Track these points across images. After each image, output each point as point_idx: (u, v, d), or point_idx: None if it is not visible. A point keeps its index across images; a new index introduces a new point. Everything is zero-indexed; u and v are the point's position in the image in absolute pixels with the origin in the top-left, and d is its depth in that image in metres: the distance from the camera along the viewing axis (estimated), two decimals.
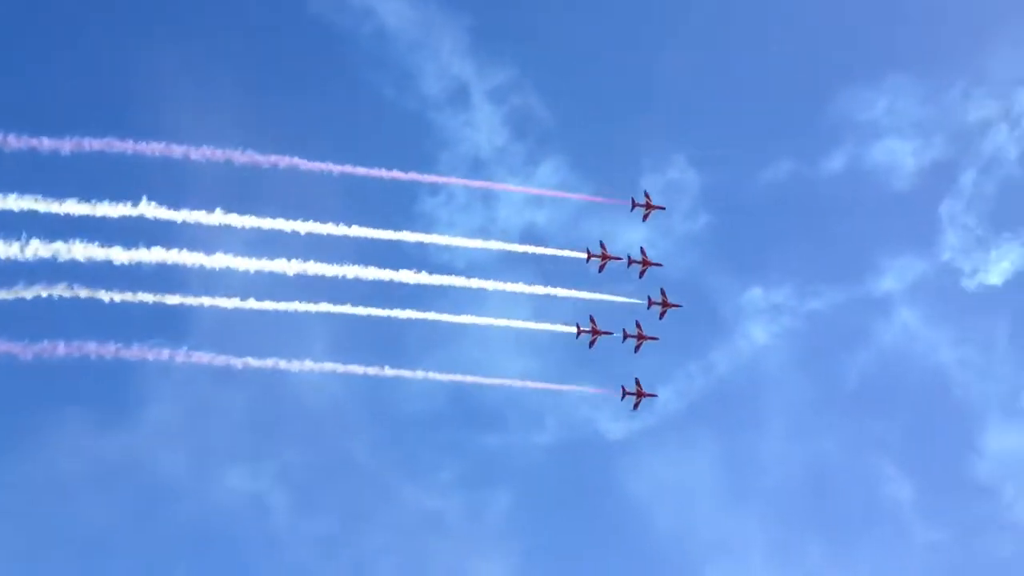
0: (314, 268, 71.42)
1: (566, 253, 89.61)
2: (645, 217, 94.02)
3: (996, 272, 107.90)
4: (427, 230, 78.10)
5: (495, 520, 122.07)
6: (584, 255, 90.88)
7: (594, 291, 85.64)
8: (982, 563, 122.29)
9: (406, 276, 75.85)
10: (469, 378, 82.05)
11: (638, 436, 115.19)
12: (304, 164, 72.02)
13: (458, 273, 78.98)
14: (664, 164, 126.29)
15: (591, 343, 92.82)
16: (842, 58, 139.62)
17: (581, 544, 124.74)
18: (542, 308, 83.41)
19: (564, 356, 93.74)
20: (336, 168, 74.62)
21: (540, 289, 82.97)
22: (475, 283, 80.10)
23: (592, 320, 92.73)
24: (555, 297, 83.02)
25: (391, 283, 75.24)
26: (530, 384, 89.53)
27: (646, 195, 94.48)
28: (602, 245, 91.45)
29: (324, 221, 72.59)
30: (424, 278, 76.82)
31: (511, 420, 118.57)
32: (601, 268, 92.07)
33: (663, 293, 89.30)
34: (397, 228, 76.31)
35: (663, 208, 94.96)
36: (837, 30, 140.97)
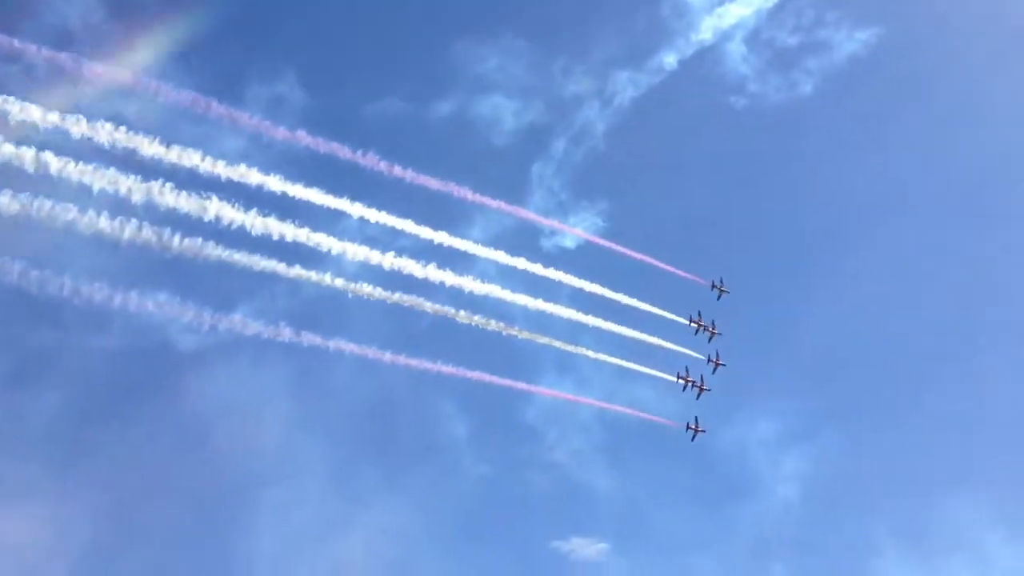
0: None
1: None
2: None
3: (570, 236, 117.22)
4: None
5: (38, 423, 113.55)
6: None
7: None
8: (523, 495, 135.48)
9: None
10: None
11: (211, 350, 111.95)
12: None
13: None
14: (273, 77, 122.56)
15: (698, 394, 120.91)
16: (465, 10, 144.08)
17: (132, 455, 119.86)
18: (120, 205, 77.06)
19: (139, 259, 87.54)
20: None
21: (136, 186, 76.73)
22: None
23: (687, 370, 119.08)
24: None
25: None
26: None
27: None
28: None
29: None
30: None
31: (71, 320, 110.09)
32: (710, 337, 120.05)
33: None
34: None
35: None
36: None
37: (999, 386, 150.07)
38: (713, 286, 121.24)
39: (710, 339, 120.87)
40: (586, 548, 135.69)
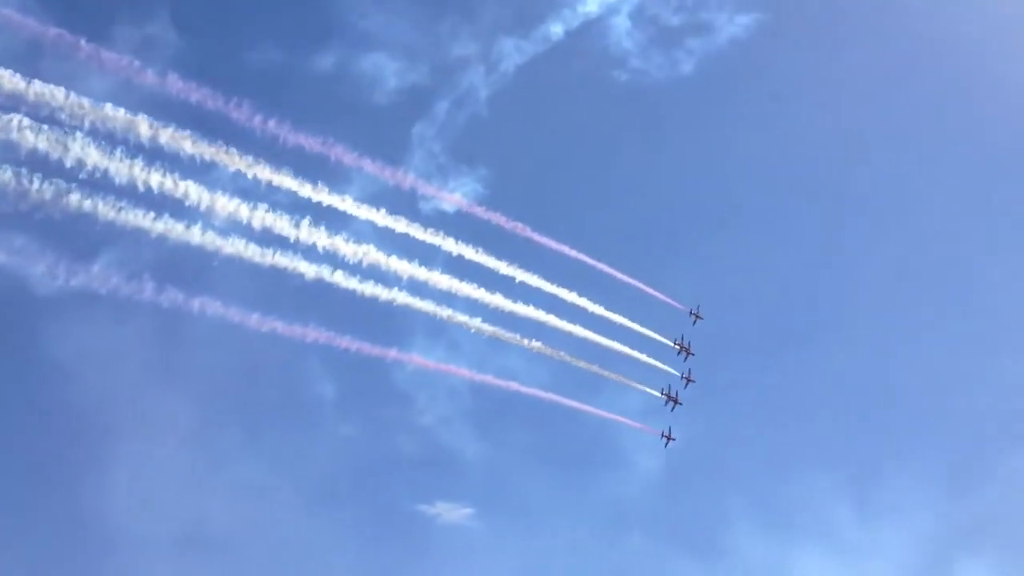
0: None
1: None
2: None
3: (449, 202, 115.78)
4: None
5: None
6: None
7: None
8: (389, 458, 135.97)
9: None
10: None
11: (70, 297, 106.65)
12: None
13: None
14: (144, 16, 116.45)
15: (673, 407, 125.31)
16: None
17: None
18: None
19: None
20: None
21: None
22: None
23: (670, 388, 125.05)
24: None
25: None
26: None
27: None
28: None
29: None
30: None
31: None
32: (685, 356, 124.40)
33: None
34: None
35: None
36: None
37: (851, 367, 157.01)
38: (691, 313, 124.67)
39: (685, 358, 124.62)
40: (451, 512, 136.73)
